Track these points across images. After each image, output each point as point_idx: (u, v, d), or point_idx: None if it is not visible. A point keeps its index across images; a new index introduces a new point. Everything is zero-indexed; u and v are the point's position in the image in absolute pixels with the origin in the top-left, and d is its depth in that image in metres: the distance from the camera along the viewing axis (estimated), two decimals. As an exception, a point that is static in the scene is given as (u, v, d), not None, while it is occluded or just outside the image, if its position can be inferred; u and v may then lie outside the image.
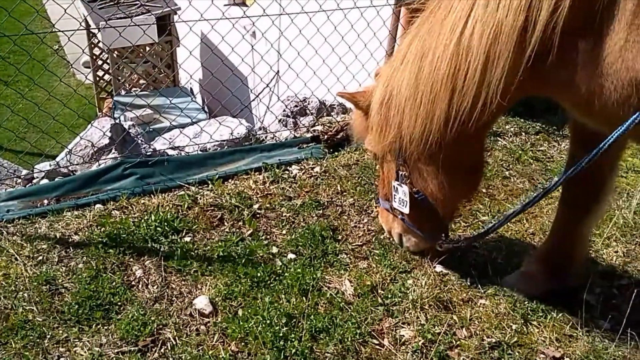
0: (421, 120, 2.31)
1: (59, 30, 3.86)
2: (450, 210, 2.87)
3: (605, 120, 2.13)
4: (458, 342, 2.68)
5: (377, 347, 2.62)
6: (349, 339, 2.60)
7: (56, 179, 3.67)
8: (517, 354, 2.65)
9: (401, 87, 2.35)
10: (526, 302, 2.93)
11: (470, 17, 2.06)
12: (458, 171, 2.57)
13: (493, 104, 2.14)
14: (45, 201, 3.50)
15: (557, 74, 2.06)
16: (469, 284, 3.03)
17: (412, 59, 2.28)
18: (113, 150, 3.80)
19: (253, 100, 5.35)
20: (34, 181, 3.80)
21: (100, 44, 9.64)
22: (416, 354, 2.56)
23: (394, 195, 2.76)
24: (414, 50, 2.28)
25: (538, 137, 4.74)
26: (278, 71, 4.99)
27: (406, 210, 2.73)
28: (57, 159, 3.94)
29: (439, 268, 3.12)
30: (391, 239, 3.12)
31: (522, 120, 4.91)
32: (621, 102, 1.95)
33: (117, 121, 4.07)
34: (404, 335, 2.65)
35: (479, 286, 3.02)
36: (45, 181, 3.69)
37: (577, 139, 2.73)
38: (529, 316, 2.83)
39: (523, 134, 4.75)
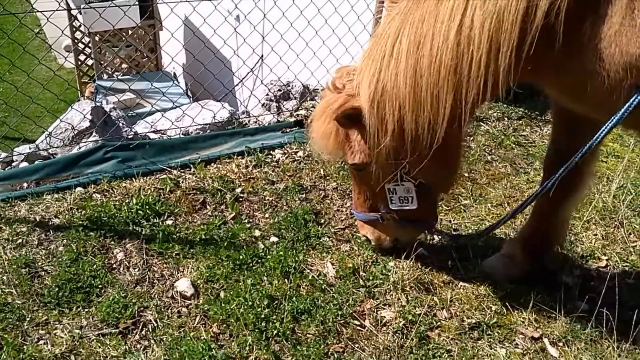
0: (427, 113, 2.21)
1: (38, 11, 3.80)
2: (449, 186, 2.85)
3: (597, 105, 2.15)
4: (438, 323, 2.71)
5: (359, 328, 2.63)
6: (331, 320, 2.62)
7: (36, 162, 3.62)
8: (496, 334, 2.69)
9: (397, 81, 2.21)
10: (506, 284, 2.97)
11: (469, 5, 1.99)
12: (448, 153, 2.50)
13: (496, 92, 2.13)
14: (25, 184, 3.46)
15: (556, 59, 2.04)
16: (449, 266, 3.05)
17: (406, 49, 2.16)
18: (94, 134, 3.76)
19: (237, 85, 5.32)
20: (14, 164, 3.75)
21: (82, 27, 9.48)
22: (397, 334, 2.59)
23: (390, 197, 2.65)
24: (407, 40, 2.15)
25: (520, 122, 4.77)
26: (262, 55, 4.95)
27: (414, 205, 2.64)
28: (37, 141, 3.89)
29: (420, 251, 3.14)
30: (379, 246, 3.03)
31: (505, 105, 4.94)
32: (614, 86, 1.97)
33: (99, 104, 4.02)
34: (385, 317, 2.67)
35: (460, 268, 3.05)
36: (24, 164, 3.65)
37: (561, 125, 2.74)
38: (509, 298, 2.86)
39: (506, 119, 4.78)
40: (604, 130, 2.13)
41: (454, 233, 2.97)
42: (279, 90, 4.61)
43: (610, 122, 2.08)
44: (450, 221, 3.46)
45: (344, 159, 2.67)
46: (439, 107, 2.18)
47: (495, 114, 4.81)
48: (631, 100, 1.96)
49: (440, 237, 3.06)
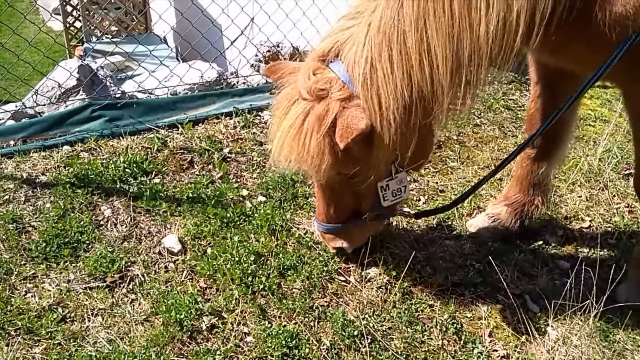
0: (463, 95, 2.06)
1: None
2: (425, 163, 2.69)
3: (583, 61, 2.17)
4: (422, 280, 2.75)
5: (344, 283, 2.67)
6: (316, 276, 2.65)
7: (22, 120, 3.60)
8: (479, 291, 2.74)
9: (436, 78, 1.99)
10: (490, 243, 3.02)
11: None
12: (431, 129, 2.36)
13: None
14: (12, 142, 3.44)
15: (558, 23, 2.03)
16: (434, 225, 3.09)
17: (438, 46, 1.94)
18: (81, 92, 3.73)
19: (228, 47, 5.27)
20: (0, 122, 3.72)
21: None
22: (381, 289, 2.63)
23: (383, 195, 2.45)
24: (438, 36, 1.93)
25: (510, 86, 4.77)
26: (253, 18, 4.89)
27: (406, 194, 2.52)
28: (24, 100, 3.85)
29: (405, 209, 3.17)
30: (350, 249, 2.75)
31: (495, 69, 4.91)
32: (600, 42, 2.01)
33: (85, 63, 3.98)
34: (369, 273, 2.71)
35: (444, 228, 3.09)
36: (11, 122, 3.62)
37: (541, 83, 2.76)
38: (492, 256, 2.90)
39: (496, 83, 4.76)
40: (590, 81, 2.12)
41: (420, 211, 2.78)
42: (268, 51, 4.57)
43: (596, 74, 2.08)
44: (437, 182, 3.49)
45: (334, 172, 2.27)
46: (477, 92, 2.12)
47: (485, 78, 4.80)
48: (615, 53, 1.98)
49: (405, 216, 2.88)
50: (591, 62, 2.08)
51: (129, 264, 2.68)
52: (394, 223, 3.03)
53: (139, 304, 2.49)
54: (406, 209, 2.79)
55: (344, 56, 2.09)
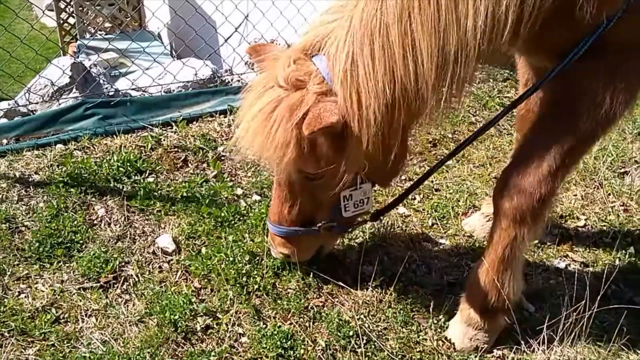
0: (447, 101, 1.98)
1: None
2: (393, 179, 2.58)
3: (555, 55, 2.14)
4: (417, 280, 2.74)
5: (339, 283, 2.66)
6: (312, 276, 2.64)
7: (15, 119, 3.57)
8: (474, 290, 2.73)
9: (418, 74, 1.89)
10: (485, 242, 3.00)
11: None
12: (405, 145, 2.25)
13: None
14: (5, 141, 3.41)
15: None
16: (430, 224, 3.09)
17: (423, 40, 1.85)
18: (74, 90, 3.70)
19: (222, 44, 5.24)
20: (-8, 121, 3.70)
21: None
22: (376, 289, 2.62)
23: (345, 205, 2.33)
24: (422, 29, 1.84)
25: (505, 84, 4.76)
26: (247, 15, 4.87)
27: (369, 206, 2.39)
28: (16, 98, 3.82)
29: (401, 210, 3.16)
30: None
31: (490, 67, 4.91)
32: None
33: (79, 60, 3.95)
34: (365, 272, 2.70)
35: (440, 227, 3.08)
36: (4, 120, 3.59)
37: (529, 82, 2.74)
38: (488, 255, 2.90)
39: (491, 80, 4.77)
40: (565, 64, 2.06)
41: (375, 211, 2.62)
42: (263, 48, 4.54)
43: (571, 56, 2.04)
44: (432, 181, 3.48)
45: (296, 169, 2.18)
46: (464, 93, 2.03)
47: (480, 76, 4.79)
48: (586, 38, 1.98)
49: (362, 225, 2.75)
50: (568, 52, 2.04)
51: (123, 264, 2.66)
52: (389, 222, 3.02)
53: (133, 305, 2.48)
54: (360, 218, 2.58)
55: (326, 51, 1.98)
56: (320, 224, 2.38)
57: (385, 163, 2.14)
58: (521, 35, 1.89)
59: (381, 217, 2.74)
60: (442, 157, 2.51)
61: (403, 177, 3.43)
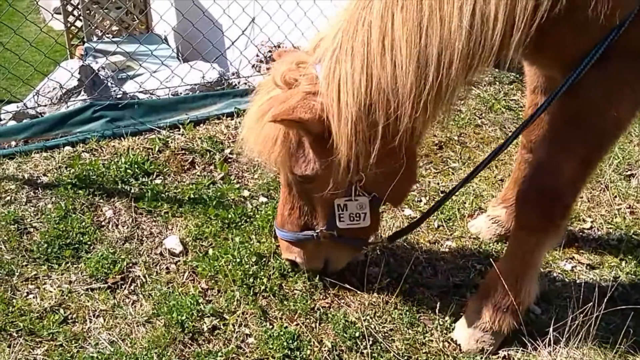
0: (430, 110, 1.91)
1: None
2: (403, 198, 2.53)
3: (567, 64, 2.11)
4: (424, 281, 2.75)
5: (345, 285, 2.67)
6: (318, 278, 2.65)
7: (24, 121, 3.60)
8: (480, 292, 2.73)
9: (395, 77, 1.86)
10: (491, 245, 3.02)
11: None
12: (410, 162, 2.23)
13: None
14: (13, 143, 3.45)
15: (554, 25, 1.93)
16: (436, 226, 3.09)
17: (404, 37, 1.82)
18: (82, 93, 3.73)
19: (228, 47, 5.27)
20: (1, 123, 3.73)
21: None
22: (382, 291, 2.63)
23: (339, 214, 2.29)
24: (402, 26, 1.81)
25: (511, 86, 4.76)
26: (254, 18, 4.89)
27: (366, 223, 2.30)
28: (25, 100, 3.86)
29: (407, 212, 3.17)
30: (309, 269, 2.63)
31: (496, 70, 4.92)
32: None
33: (87, 63, 3.98)
34: (371, 274, 2.71)
35: (446, 229, 3.09)
36: (12, 123, 3.62)
37: (536, 91, 2.72)
38: (494, 258, 2.90)
39: (497, 83, 4.77)
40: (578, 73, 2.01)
41: (392, 234, 2.62)
42: (269, 51, 4.57)
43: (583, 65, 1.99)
44: (438, 183, 3.49)
45: (288, 168, 2.21)
46: (447, 99, 1.91)
47: (486, 78, 4.80)
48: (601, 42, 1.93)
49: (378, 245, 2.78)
50: (575, 58, 2.00)
51: (131, 265, 2.68)
52: (395, 225, 3.03)
53: (141, 305, 2.49)
54: (372, 238, 2.59)
55: (319, 51, 2.00)
56: (318, 231, 2.38)
57: (385, 176, 2.13)
58: (518, 39, 1.83)
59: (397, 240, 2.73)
60: (452, 186, 2.45)
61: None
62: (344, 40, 1.91)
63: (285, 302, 2.54)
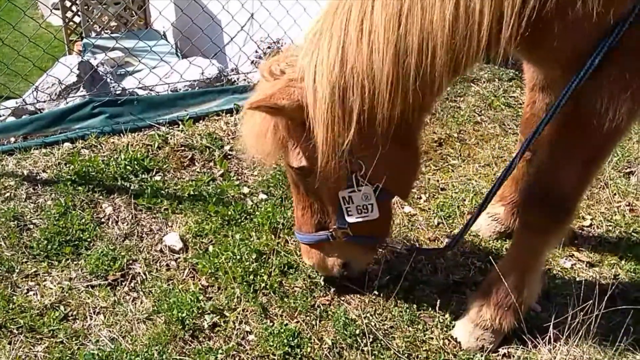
0: (410, 97, 1.89)
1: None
2: (409, 189, 2.49)
3: (565, 64, 2.09)
4: (424, 279, 2.75)
5: (346, 283, 2.67)
6: (318, 274, 2.65)
7: (23, 117, 3.59)
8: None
9: (372, 62, 1.84)
10: (491, 242, 3.02)
11: None
12: (410, 151, 2.23)
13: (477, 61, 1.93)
14: (12, 139, 3.44)
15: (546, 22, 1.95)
16: (435, 223, 3.09)
17: (381, 24, 1.80)
18: (81, 89, 3.72)
19: (227, 43, 5.26)
20: (0, 119, 3.72)
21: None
22: (383, 288, 2.63)
23: (347, 208, 2.24)
24: (381, 14, 1.80)
25: (511, 83, 4.76)
26: (253, 14, 4.88)
27: (375, 214, 2.24)
28: (24, 96, 3.84)
29: (407, 209, 3.17)
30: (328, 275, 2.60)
31: (495, 67, 4.92)
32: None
33: (85, 59, 3.97)
34: (371, 272, 2.71)
35: (445, 226, 3.09)
36: (11, 119, 3.61)
37: (535, 89, 2.71)
38: (493, 255, 2.90)
39: (496, 80, 4.77)
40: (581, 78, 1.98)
41: (416, 246, 2.63)
42: (269, 47, 4.56)
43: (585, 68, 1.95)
44: (438, 180, 3.49)
45: (284, 161, 2.23)
46: (431, 87, 1.90)
47: (485, 75, 4.80)
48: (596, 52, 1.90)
49: (397, 250, 2.74)
50: (570, 58, 1.98)
51: (131, 262, 2.68)
52: (395, 222, 3.03)
53: (141, 302, 2.49)
54: (395, 244, 2.60)
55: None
56: (332, 230, 2.33)
57: (385, 165, 2.12)
58: (509, 35, 1.79)
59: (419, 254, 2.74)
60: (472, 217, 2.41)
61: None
62: (324, 24, 1.89)
63: (286, 300, 2.54)
